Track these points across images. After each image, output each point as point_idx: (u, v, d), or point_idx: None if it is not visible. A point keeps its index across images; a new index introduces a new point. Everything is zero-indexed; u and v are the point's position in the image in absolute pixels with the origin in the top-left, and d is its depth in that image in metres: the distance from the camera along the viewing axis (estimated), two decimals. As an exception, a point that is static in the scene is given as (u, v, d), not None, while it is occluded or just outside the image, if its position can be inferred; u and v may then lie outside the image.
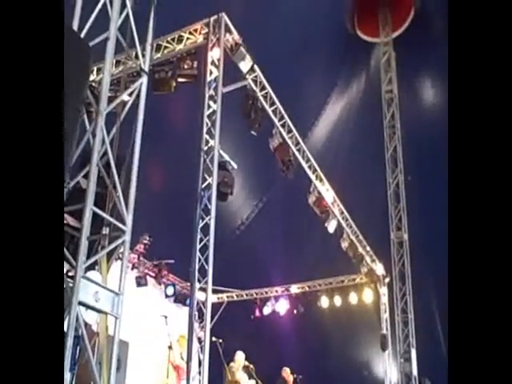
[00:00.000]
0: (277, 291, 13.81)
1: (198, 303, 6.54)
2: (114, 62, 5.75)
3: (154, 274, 12.14)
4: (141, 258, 11.64)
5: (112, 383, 3.92)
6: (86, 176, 4.02)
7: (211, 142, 6.84)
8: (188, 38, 7.63)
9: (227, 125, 7.05)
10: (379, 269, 13.02)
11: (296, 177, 9.37)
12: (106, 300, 3.95)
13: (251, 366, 8.59)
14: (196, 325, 7.23)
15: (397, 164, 14.65)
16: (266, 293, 13.88)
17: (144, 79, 4.83)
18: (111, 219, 4.22)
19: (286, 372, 10.10)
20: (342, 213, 11.24)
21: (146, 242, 11.35)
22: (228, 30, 7.41)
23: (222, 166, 6.95)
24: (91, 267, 3.99)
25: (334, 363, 13.65)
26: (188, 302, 12.04)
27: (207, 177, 6.69)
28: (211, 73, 7.17)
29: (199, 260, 6.37)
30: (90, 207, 3.89)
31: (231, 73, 7.58)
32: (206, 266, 6.37)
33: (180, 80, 7.47)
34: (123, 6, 4.63)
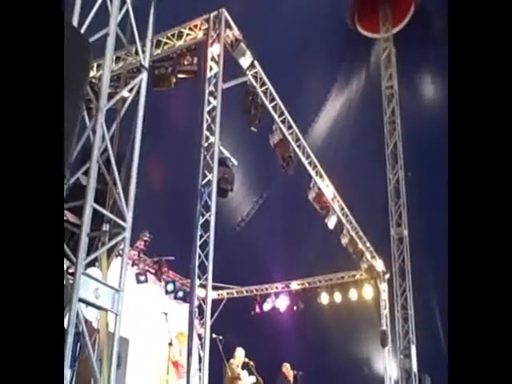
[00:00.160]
0: (277, 287, 13.82)
1: (198, 300, 6.54)
2: (114, 58, 5.73)
3: (154, 271, 12.13)
4: (141, 255, 11.63)
5: (112, 380, 3.92)
6: (86, 173, 4.01)
7: (211, 139, 6.83)
8: (188, 34, 7.61)
9: (227, 121, 7.04)
10: (379, 265, 13.03)
11: (296, 173, 9.36)
12: (107, 297, 3.94)
13: (251, 362, 8.60)
14: (196, 321, 7.23)
15: (397, 160, 14.64)
16: (266, 289, 13.89)
17: (144, 75, 4.82)
18: (111, 216, 4.21)
19: (287, 368, 10.11)
20: (342, 209, 11.24)
21: (146, 238, 11.33)
22: (228, 25, 7.39)
23: (222, 162, 6.94)
24: (91, 264, 3.99)
25: (334, 359, 13.68)
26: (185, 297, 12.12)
27: (207, 173, 6.68)
28: (211, 69, 7.15)
29: (199, 256, 6.36)
30: (90, 204, 3.88)
31: (231, 69, 7.56)
32: (206, 263, 6.36)
33: (180, 76, 7.46)
34: (123, 1, 4.62)
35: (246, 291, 14.13)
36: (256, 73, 8.04)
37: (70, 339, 3.49)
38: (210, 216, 6.48)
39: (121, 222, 4.26)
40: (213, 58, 7.19)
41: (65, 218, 3.76)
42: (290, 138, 9.09)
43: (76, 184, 4.04)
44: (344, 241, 11.50)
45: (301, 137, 9.52)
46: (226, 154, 7.10)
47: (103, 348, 4.08)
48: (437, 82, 14.40)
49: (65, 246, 3.64)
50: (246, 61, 7.67)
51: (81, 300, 3.67)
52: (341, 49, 14.28)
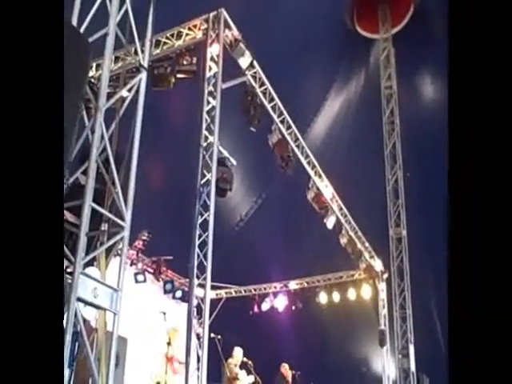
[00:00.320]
0: (275, 287, 13.83)
1: (196, 299, 6.54)
2: (113, 58, 5.74)
3: (152, 271, 12.14)
4: (139, 255, 11.63)
5: (110, 379, 3.93)
6: (85, 172, 4.02)
7: (210, 138, 6.83)
8: (187, 34, 7.61)
9: (226, 121, 7.04)
10: (378, 265, 13.04)
11: (295, 173, 9.37)
12: (105, 296, 3.95)
13: (250, 361, 8.60)
14: (194, 321, 7.23)
15: (396, 160, 14.65)
16: (265, 289, 13.90)
17: (143, 75, 4.83)
18: (110, 215, 4.22)
19: (285, 368, 10.12)
20: (341, 209, 11.25)
21: (144, 238, 11.33)
22: (227, 25, 7.40)
23: (221, 162, 6.95)
24: (90, 263, 3.99)
25: (333, 359, 13.69)
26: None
27: (206, 173, 6.68)
28: (210, 69, 7.15)
29: (198, 256, 6.37)
30: (88, 203, 3.89)
31: (230, 69, 7.57)
32: (205, 262, 6.36)
33: (179, 76, 7.46)
34: (122, 1, 4.62)
35: (245, 291, 14.15)
36: (255, 73, 8.05)
37: (68, 338, 3.49)
38: (208, 216, 6.48)
39: (119, 221, 4.27)
40: (212, 58, 7.19)
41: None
42: (288, 138, 9.10)
43: (75, 183, 4.05)
44: (343, 241, 11.51)
45: (300, 137, 9.53)
46: (225, 153, 7.10)
47: (101, 347, 4.09)
48: (436, 82, 14.41)
49: (63, 246, 3.64)
50: (245, 61, 7.68)
51: (79, 299, 3.67)
52: (340, 49, 14.30)
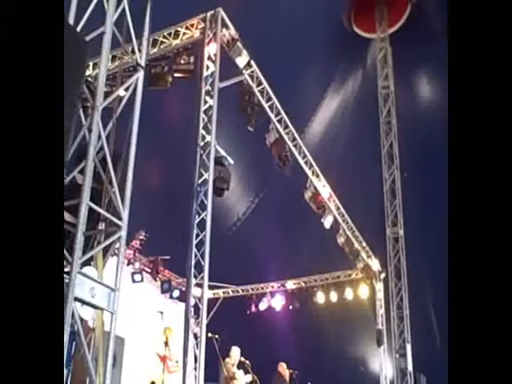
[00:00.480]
0: (273, 287, 13.82)
1: (193, 299, 6.53)
2: (110, 57, 5.73)
3: (149, 270, 12.13)
4: (136, 254, 11.62)
5: (108, 379, 3.92)
6: (82, 171, 4.01)
7: (208, 138, 6.82)
8: (184, 33, 7.60)
9: (224, 120, 7.03)
10: (375, 264, 13.05)
11: (292, 172, 9.36)
12: (102, 296, 3.93)
13: (247, 361, 8.59)
14: (192, 320, 7.22)
15: (393, 160, 14.67)
16: (262, 288, 13.90)
17: (140, 74, 4.82)
18: (107, 214, 4.20)
19: (282, 367, 10.09)
20: (338, 208, 11.25)
21: (141, 237, 11.33)
22: (225, 25, 7.39)
23: (219, 161, 6.94)
24: (87, 263, 3.98)
25: (330, 358, 13.69)
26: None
27: (203, 172, 6.67)
28: (208, 68, 7.15)
29: (195, 256, 6.36)
30: (85, 202, 3.88)
31: (228, 68, 7.55)
32: (202, 262, 6.35)
33: (176, 75, 7.45)
34: (119, 0, 4.60)
35: (242, 290, 14.14)
36: (252, 72, 8.04)
37: (65, 338, 3.48)
38: (206, 215, 6.47)
39: (117, 220, 4.26)
40: (209, 58, 7.19)
41: (60, 216, 3.74)
42: (286, 137, 9.09)
43: (72, 183, 4.04)
44: (340, 240, 11.51)
45: (297, 136, 9.53)
46: (223, 153, 7.09)
47: (99, 347, 4.07)
48: (433, 82, 14.44)
49: (60, 245, 3.63)
50: (242, 60, 7.67)
51: (76, 299, 3.66)
52: (337, 49, 14.31)
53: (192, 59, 7.38)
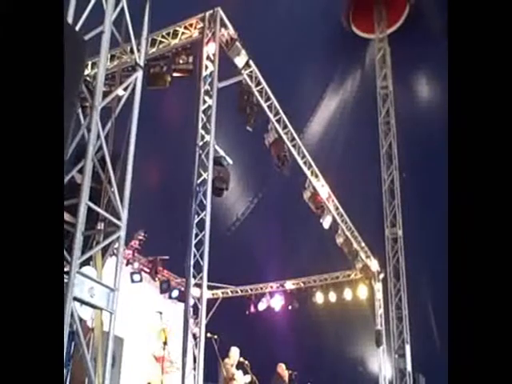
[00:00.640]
0: (272, 287, 13.82)
1: (193, 299, 6.52)
2: (109, 56, 5.71)
3: (148, 270, 12.12)
4: (135, 254, 11.61)
5: (107, 379, 3.91)
6: (81, 171, 4.00)
7: (206, 138, 6.82)
8: (183, 33, 7.60)
9: (223, 120, 7.02)
10: (374, 265, 13.05)
11: (291, 172, 9.36)
12: (101, 296, 3.93)
13: (246, 361, 8.58)
14: (191, 321, 7.21)
15: (392, 160, 14.67)
16: (261, 289, 13.89)
17: (139, 74, 4.81)
18: (106, 214, 4.20)
19: (281, 368, 10.09)
20: (337, 209, 11.25)
21: (140, 237, 11.32)
22: (223, 24, 7.39)
23: (218, 161, 6.93)
24: (86, 263, 3.97)
25: (329, 359, 13.69)
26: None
27: (202, 172, 6.67)
28: (206, 68, 7.14)
29: (194, 256, 6.35)
30: (84, 202, 3.87)
31: (226, 68, 7.55)
32: (201, 262, 6.34)
33: (175, 75, 7.45)
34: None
35: (241, 291, 14.13)
36: (251, 72, 8.04)
37: (64, 338, 3.47)
38: (205, 215, 6.47)
39: (116, 220, 4.25)
40: (208, 57, 7.18)
41: (59, 216, 3.73)
42: (285, 137, 9.09)
43: (71, 182, 4.03)
44: (339, 240, 11.51)
45: (296, 136, 9.52)
46: (221, 152, 7.09)
47: (98, 347, 4.06)
48: (432, 82, 14.45)
49: (59, 245, 3.62)
50: (241, 60, 7.67)
51: (75, 299, 3.65)
52: (336, 49, 14.32)
53: (191, 59, 7.38)
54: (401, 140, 14.62)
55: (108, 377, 3.92)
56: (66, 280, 3.61)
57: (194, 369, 6.18)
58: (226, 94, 7.31)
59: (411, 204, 13.87)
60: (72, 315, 3.60)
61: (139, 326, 10.71)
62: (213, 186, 6.67)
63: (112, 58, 6.44)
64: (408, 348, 13.05)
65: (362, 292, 12.80)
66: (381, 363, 12.68)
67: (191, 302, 6.41)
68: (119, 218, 4.27)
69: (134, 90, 4.74)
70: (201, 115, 6.87)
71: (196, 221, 6.47)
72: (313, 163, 10.11)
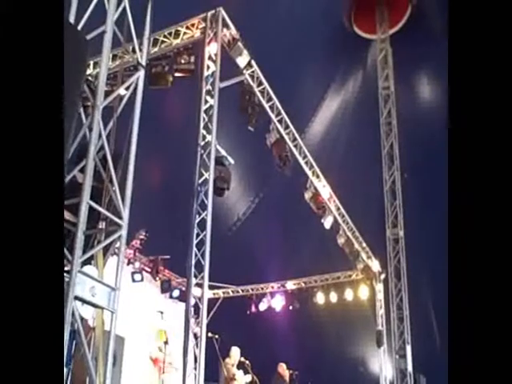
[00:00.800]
0: (273, 287, 13.81)
1: (194, 299, 6.52)
2: (111, 56, 5.73)
3: (149, 270, 12.12)
4: (137, 254, 11.61)
5: (108, 378, 3.91)
6: (83, 170, 4.00)
7: (208, 137, 6.82)
8: (185, 33, 7.60)
9: (224, 120, 7.03)
10: (375, 265, 13.04)
11: (293, 173, 9.36)
12: (103, 295, 3.93)
13: (247, 361, 8.58)
14: (192, 320, 7.21)
15: (393, 161, 14.66)
16: (262, 289, 13.89)
17: (141, 73, 4.81)
18: (108, 213, 4.20)
19: (282, 368, 10.09)
20: (339, 209, 11.24)
21: (142, 237, 11.32)
22: (225, 24, 7.39)
23: (219, 161, 6.93)
24: (87, 262, 3.97)
25: (330, 359, 13.68)
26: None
27: (204, 172, 6.67)
28: (208, 68, 7.14)
29: (196, 255, 6.35)
30: (86, 201, 3.87)
31: (228, 68, 7.55)
32: (203, 262, 6.34)
33: (177, 74, 7.45)
34: (120, -1, 4.60)
35: (242, 290, 14.13)
36: (253, 72, 8.04)
37: (65, 337, 3.47)
38: (206, 215, 6.47)
39: (117, 219, 4.25)
40: (210, 57, 7.18)
41: (61, 215, 3.74)
42: (286, 137, 9.09)
43: (72, 181, 4.03)
44: (340, 241, 11.51)
45: (297, 136, 9.53)
46: (223, 152, 7.09)
47: (99, 346, 4.07)
48: (433, 82, 14.44)
49: (61, 244, 3.62)
50: (243, 60, 7.67)
51: (77, 298, 3.65)
52: (338, 49, 14.32)
53: (193, 59, 7.38)
54: (402, 140, 14.61)
55: (109, 376, 3.93)
56: (67, 279, 3.62)
57: (195, 368, 6.18)
58: (227, 94, 7.31)
59: (412, 204, 13.86)
60: (73, 314, 3.61)
61: (140, 326, 10.72)
62: (214, 185, 6.67)
63: (114, 57, 6.45)
64: (409, 348, 13.04)
65: (363, 292, 12.80)
66: (382, 363, 12.68)
67: (192, 301, 6.42)
68: (121, 217, 4.28)
69: (135, 89, 4.74)
70: (202, 115, 6.87)
71: (197, 220, 6.47)
72: (314, 163, 10.11)
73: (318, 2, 13.18)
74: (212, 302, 12.51)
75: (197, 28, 7.51)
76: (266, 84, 8.34)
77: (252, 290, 13.99)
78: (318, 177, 10.32)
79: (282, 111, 8.87)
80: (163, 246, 11.55)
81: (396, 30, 15.22)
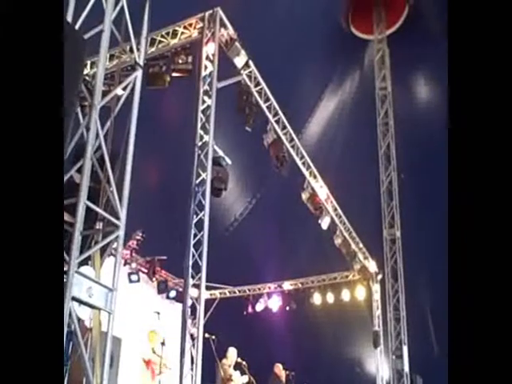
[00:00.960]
0: (269, 288, 13.80)
1: (190, 299, 6.51)
2: (108, 56, 5.70)
3: (146, 270, 12.09)
4: (133, 254, 11.58)
5: (105, 380, 3.90)
6: (80, 170, 3.98)
7: (205, 138, 6.81)
8: (183, 33, 7.59)
9: (222, 120, 7.02)
10: (372, 266, 13.05)
11: (290, 173, 9.36)
12: (100, 296, 3.91)
13: (244, 362, 8.57)
14: (189, 321, 7.20)
15: (390, 161, 14.68)
16: (259, 289, 13.87)
17: (139, 73, 4.80)
18: (105, 214, 4.18)
19: (279, 368, 10.09)
20: (336, 209, 11.24)
21: (138, 237, 11.29)
22: (223, 25, 7.38)
23: (216, 161, 6.92)
24: (84, 262, 3.96)
25: (327, 360, 13.68)
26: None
27: (201, 172, 6.66)
28: (206, 68, 7.13)
29: (193, 256, 6.33)
30: (83, 202, 3.86)
31: (226, 68, 7.54)
32: (200, 262, 6.33)
33: (174, 75, 7.44)
34: (118, -2, 4.59)
35: (239, 291, 14.11)
36: (250, 72, 8.03)
37: (63, 338, 3.45)
38: (203, 215, 6.46)
39: (114, 220, 4.23)
40: (207, 57, 7.17)
41: (58, 215, 3.72)
42: (284, 138, 9.09)
43: (69, 181, 4.01)
44: (337, 241, 11.51)
45: (295, 137, 9.52)
46: (220, 153, 7.08)
47: (96, 347, 4.05)
48: (430, 83, 14.47)
49: (58, 244, 3.60)
50: (240, 60, 7.66)
51: (74, 299, 3.64)
52: (335, 50, 14.32)
53: (190, 59, 7.37)
54: (399, 141, 14.62)
55: (106, 377, 3.91)
56: (64, 280, 3.60)
57: (192, 369, 6.16)
58: (225, 94, 7.30)
59: (409, 205, 13.88)
60: (70, 315, 3.59)
61: (137, 327, 10.68)
62: (212, 186, 6.66)
63: (111, 57, 6.41)
64: (405, 349, 13.04)
65: (360, 293, 12.80)
66: (378, 364, 12.67)
67: (189, 302, 6.40)
68: (118, 218, 4.26)
69: (133, 89, 4.73)
70: (200, 115, 6.86)
71: (195, 221, 6.46)
72: (311, 164, 10.10)
73: (316, 2, 13.18)
74: (209, 303, 12.51)
75: (194, 28, 7.49)
76: (263, 84, 8.33)
77: (249, 290, 13.97)
78: (315, 177, 10.32)
79: (280, 111, 8.87)
80: (160, 247, 11.53)
81: (393, 30, 15.23)
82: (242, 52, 7.58)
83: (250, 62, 7.86)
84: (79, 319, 3.80)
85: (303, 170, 9.94)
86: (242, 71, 7.79)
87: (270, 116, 8.66)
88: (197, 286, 6.35)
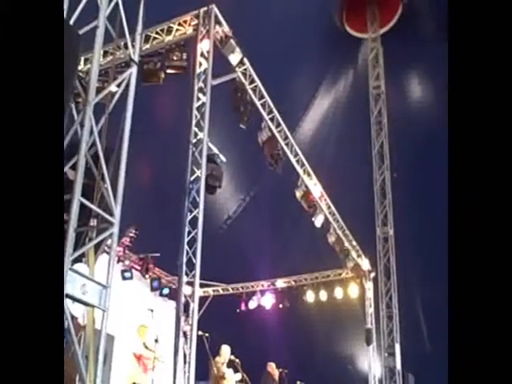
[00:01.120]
0: (263, 285, 13.80)
1: (184, 297, 6.49)
2: (102, 52, 5.67)
3: (139, 268, 12.05)
4: (126, 251, 11.54)
5: (98, 377, 3.88)
6: (74, 167, 3.96)
7: (200, 135, 6.79)
8: (177, 30, 7.56)
9: (216, 117, 7.00)
10: (365, 264, 13.09)
11: (284, 171, 9.36)
12: (94, 293, 3.90)
13: (237, 360, 8.57)
14: (182, 319, 7.18)
15: (383, 160, 14.71)
16: (252, 287, 13.87)
17: (133, 69, 4.78)
18: (99, 211, 4.17)
19: (272, 367, 10.10)
20: (329, 207, 11.26)
21: (131, 234, 11.25)
22: (218, 22, 7.36)
23: (211, 158, 6.91)
24: (78, 259, 3.94)
25: (319, 357, 13.72)
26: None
27: (196, 169, 6.65)
28: (200, 65, 7.11)
29: (187, 253, 6.32)
30: (77, 198, 3.84)
31: (220, 65, 7.53)
32: (194, 260, 6.32)
33: (169, 71, 7.41)
34: (113, -6, 4.56)
35: (232, 289, 14.10)
36: (245, 70, 8.02)
37: (62, 335, 3.44)
38: (198, 212, 6.44)
39: (108, 217, 4.22)
40: (202, 54, 7.15)
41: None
42: (278, 135, 9.08)
43: (63, 178, 3.98)
44: (330, 239, 11.52)
45: (289, 135, 9.52)
46: (215, 150, 7.07)
47: (89, 344, 4.03)
48: (424, 82, 14.50)
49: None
50: (235, 58, 7.65)
51: (67, 296, 3.62)
52: (329, 48, 14.34)
53: (185, 56, 7.35)
54: (393, 140, 14.66)
55: (100, 374, 3.90)
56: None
57: (185, 367, 6.15)
58: (219, 91, 7.28)
59: (402, 203, 13.92)
60: (64, 312, 3.57)
61: (130, 324, 10.66)
62: (206, 183, 6.64)
63: (105, 53, 6.38)
64: (398, 347, 13.10)
65: (353, 291, 12.83)
66: (370, 362, 12.71)
67: (183, 299, 6.39)
68: (112, 215, 4.24)
69: (127, 86, 4.71)
70: (194, 112, 6.84)
71: (189, 218, 6.44)
72: (305, 162, 10.11)
73: (310, 0, 13.18)
74: (202, 301, 12.47)
75: (189, 25, 7.47)
76: (258, 82, 8.32)
77: (242, 288, 13.97)
78: (309, 175, 10.33)
79: (274, 109, 8.86)
80: (153, 244, 11.50)
81: (387, 29, 15.26)
82: (237, 49, 7.56)
83: (245, 60, 7.85)
84: (73, 317, 3.79)
85: (297, 167, 9.95)
86: (236, 68, 7.78)
87: (264, 114, 8.65)
88: (190, 284, 6.33)
